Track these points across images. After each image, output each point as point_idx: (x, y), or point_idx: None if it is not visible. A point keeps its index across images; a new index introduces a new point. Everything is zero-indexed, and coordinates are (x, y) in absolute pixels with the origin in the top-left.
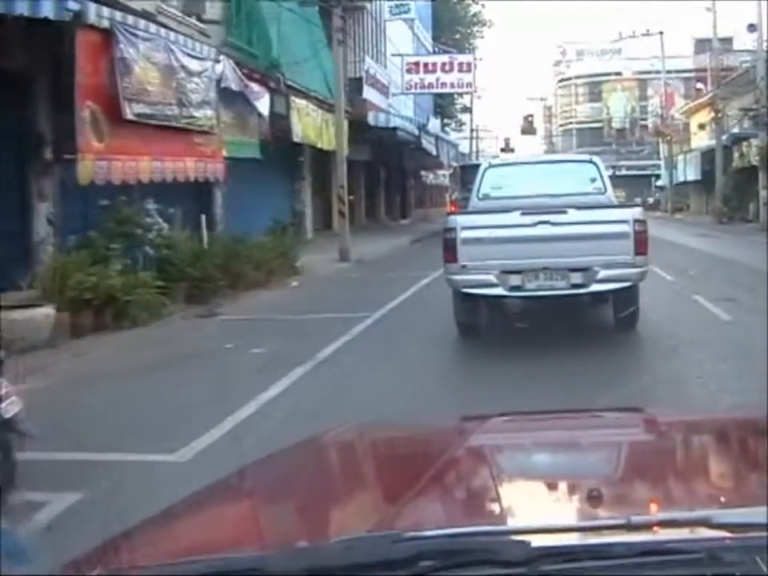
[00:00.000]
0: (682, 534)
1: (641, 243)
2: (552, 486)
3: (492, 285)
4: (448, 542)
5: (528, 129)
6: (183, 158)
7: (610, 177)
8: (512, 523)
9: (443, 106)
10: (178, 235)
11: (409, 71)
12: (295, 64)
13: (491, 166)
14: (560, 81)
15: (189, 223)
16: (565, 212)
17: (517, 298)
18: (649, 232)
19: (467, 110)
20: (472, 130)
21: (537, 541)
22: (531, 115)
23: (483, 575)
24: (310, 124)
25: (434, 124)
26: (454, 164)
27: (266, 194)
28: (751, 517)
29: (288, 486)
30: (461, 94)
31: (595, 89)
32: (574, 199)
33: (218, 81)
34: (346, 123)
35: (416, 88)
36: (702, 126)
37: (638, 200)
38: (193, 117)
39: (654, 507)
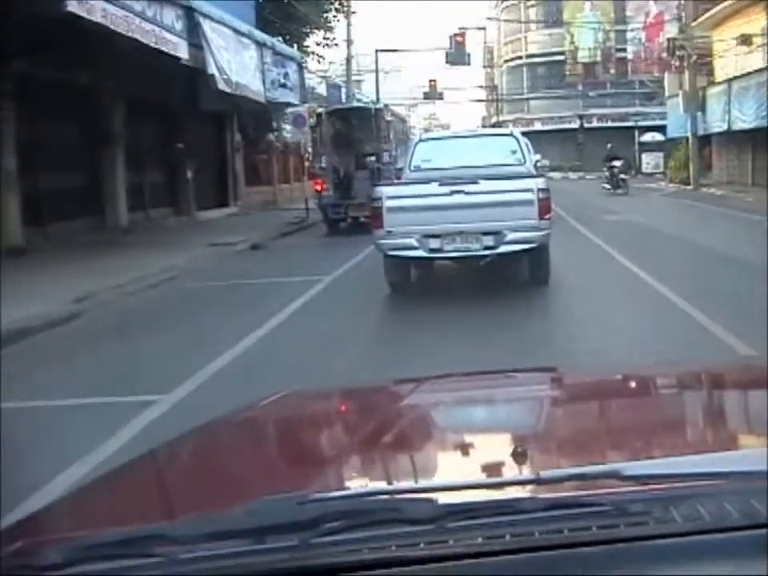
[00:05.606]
0: (591, 487)
1: (544, 209)
2: (464, 446)
3: (413, 247)
4: (353, 503)
5: (457, 57)
6: None
7: (579, 129)
8: (420, 482)
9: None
10: None
11: None
12: None
13: (422, 140)
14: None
15: None
16: (477, 182)
17: (436, 259)
18: None
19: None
20: (348, 42)
21: (443, 498)
22: (461, 35)
23: (390, 533)
24: None
25: None
26: (319, 109)
27: None
28: (659, 468)
29: (209, 457)
30: None
31: (554, 10)
32: (495, 170)
33: None
34: None
35: None
36: (746, 40)
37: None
38: None
39: (564, 462)
